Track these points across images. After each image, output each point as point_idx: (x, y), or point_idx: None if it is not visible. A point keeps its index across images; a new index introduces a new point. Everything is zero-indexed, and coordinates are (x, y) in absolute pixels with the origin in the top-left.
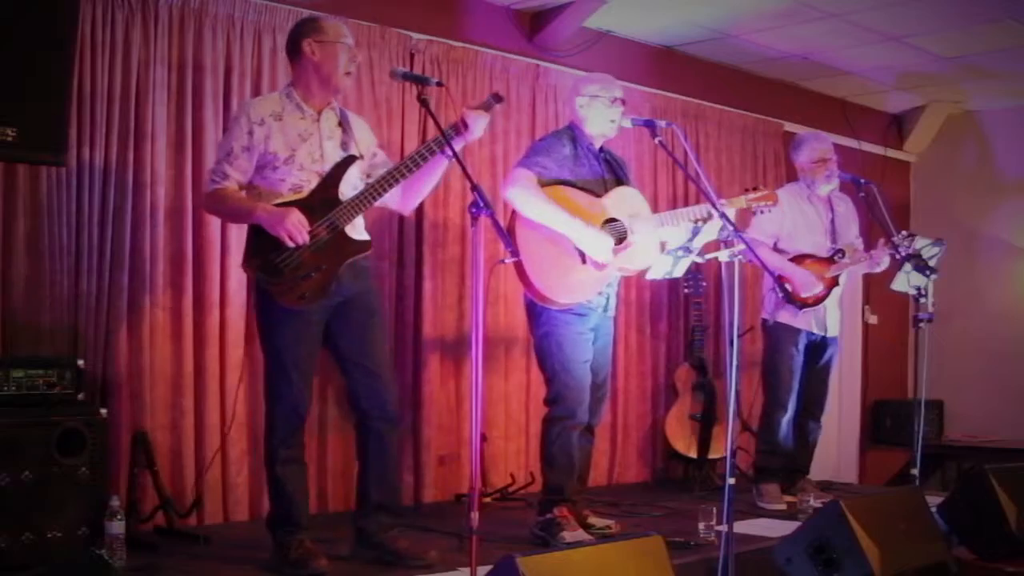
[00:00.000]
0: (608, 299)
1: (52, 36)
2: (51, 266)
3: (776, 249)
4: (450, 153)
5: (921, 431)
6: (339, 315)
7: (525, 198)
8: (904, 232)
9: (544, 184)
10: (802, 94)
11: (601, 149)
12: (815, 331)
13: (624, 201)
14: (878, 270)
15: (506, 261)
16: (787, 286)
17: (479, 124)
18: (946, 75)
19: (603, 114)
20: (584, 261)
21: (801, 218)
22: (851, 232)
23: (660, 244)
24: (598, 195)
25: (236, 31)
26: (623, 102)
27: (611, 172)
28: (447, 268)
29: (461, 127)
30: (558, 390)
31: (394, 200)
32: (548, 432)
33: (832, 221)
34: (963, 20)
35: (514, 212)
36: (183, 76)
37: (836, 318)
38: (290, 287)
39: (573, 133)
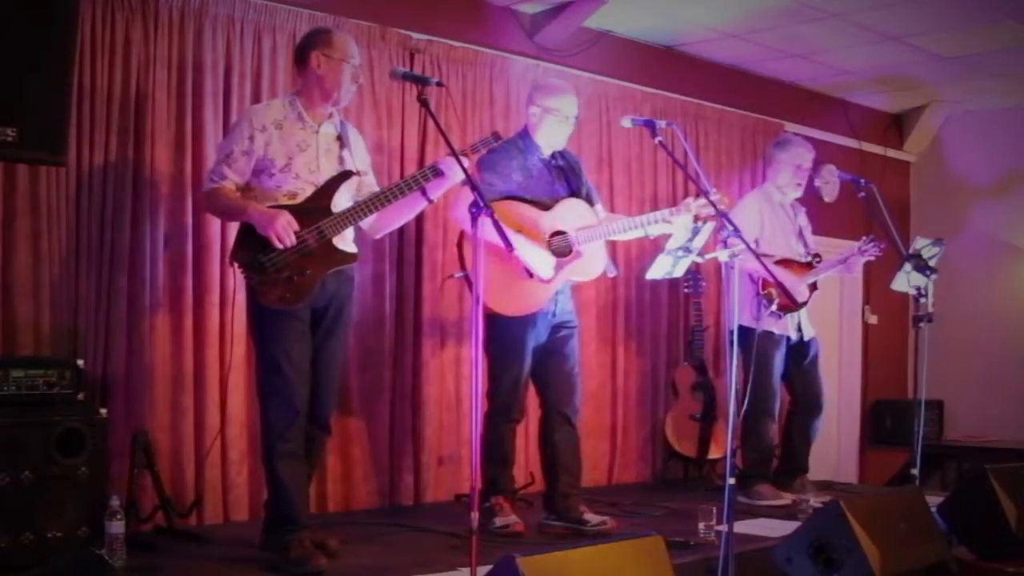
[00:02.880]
0: (557, 304)
1: (52, 36)
2: (51, 266)
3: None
4: (432, 197)
5: (921, 431)
6: (317, 317)
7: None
8: (865, 237)
9: (491, 201)
10: (802, 94)
11: (554, 156)
12: (792, 336)
13: (570, 213)
14: (852, 273)
15: (455, 276)
16: (774, 291)
17: (456, 170)
18: (946, 75)
19: (553, 130)
20: (530, 275)
21: (777, 221)
22: (811, 239)
23: (607, 245)
24: (546, 207)
25: (236, 31)
26: (577, 118)
27: (562, 179)
28: (447, 268)
29: (431, 175)
30: (491, 388)
31: (367, 222)
32: (485, 428)
33: (799, 226)
34: (963, 20)
35: (462, 231)
36: (183, 76)
37: (808, 320)
38: (272, 287)
39: (521, 144)
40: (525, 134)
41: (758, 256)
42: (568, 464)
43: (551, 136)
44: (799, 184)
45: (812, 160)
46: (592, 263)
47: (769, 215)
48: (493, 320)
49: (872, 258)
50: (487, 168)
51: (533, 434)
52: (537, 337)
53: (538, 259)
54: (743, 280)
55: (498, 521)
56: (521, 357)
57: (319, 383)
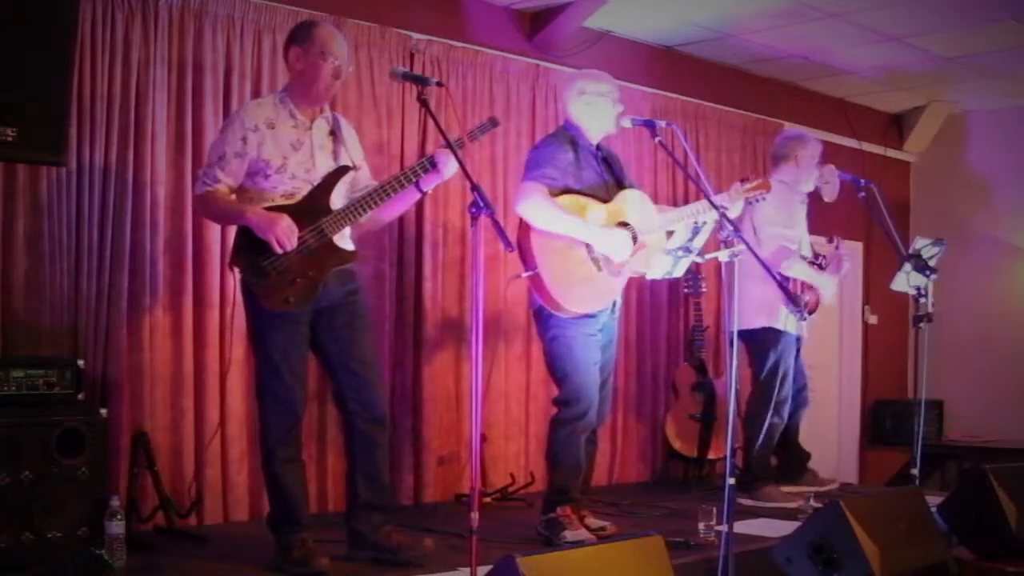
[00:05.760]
0: (615, 301)
1: (52, 36)
2: (51, 266)
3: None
4: (424, 189)
5: (921, 431)
6: (324, 318)
7: (538, 211)
8: (830, 237)
9: (553, 194)
10: (802, 94)
11: (598, 147)
12: (798, 334)
13: (630, 205)
14: (839, 275)
15: (524, 275)
16: (806, 296)
17: (450, 166)
18: (946, 75)
19: (607, 112)
20: (600, 269)
21: (794, 217)
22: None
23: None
24: (604, 200)
25: (236, 31)
26: (620, 101)
27: (611, 172)
28: (447, 268)
29: (428, 166)
30: (569, 392)
31: (365, 216)
32: (556, 433)
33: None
34: (963, 20)
35: (527, 226)
36: (183, 76)
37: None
38: (275, 290)
39: (571, 135)
40: (570, 126)
41: (758, 257)
42: (585, 474)
43: (605, 120)
44: (818, 175)
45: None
46: (655, 254)
47: (790, 209)
48: (552, 316)
49: (842, 258)
50: (545, 163)
51: (535, 433)
52: (602, 330)
53: (615, 241)
54: (765, 279)
55: (569, 536)
56: (590, 352)
57: (358, 378)
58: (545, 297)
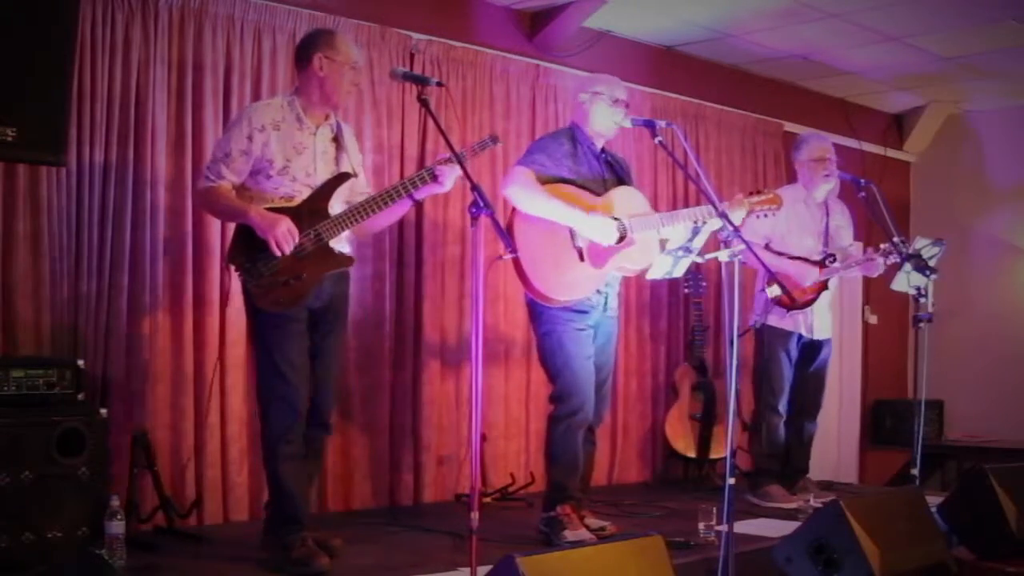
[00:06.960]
0: (607, 298)
1: (52, 36)
2: (51, 266)
3: (768, 250)
4: (418, 197)
5: (921, 431)
6: (316, 318)
7: (524, 194)
8: (897, 239)
9: (543, 181)
10: (802, 94)
11: (602, 150)
12: (804, 334)
13: (624, 200)
14: (874, 275)
15: (504, 257)
16: (776, 288)
17: (451, 178)
18: (946, 75)
19: (604, 113)
20: (582, 259)
21: (795, 220)
22: (845, 239)
23: (660, 243)
24: (598, 194)
25: (236, 31)
26: (626, 104)
27: (612, 172)
28: (447, 268)
29: (429, 178)
30: (562, 387)
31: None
32: (553, 430)
33: (827, 226)
34: (963, 20)
35: (513, 210)
36: (183, 76)
37: (827, 320)
38: (268, 290)
39: (573, 132)
40: (575, 126)
41: (757, 256)
42: (584, 473)
43: (602, 121)
44: (827, 176)
45: (830, 148)
46: (644, 252)
47: (786, 213)
48: (544, 311)
49: (894, 261)
50: (538, 150)
51: (535, 433)
52: (595, 326)
53: (600, 227)
54: (756, 276)
55: (569, 535)
56: (582, 347)
57: (320, 382)
58: (526, 283)
